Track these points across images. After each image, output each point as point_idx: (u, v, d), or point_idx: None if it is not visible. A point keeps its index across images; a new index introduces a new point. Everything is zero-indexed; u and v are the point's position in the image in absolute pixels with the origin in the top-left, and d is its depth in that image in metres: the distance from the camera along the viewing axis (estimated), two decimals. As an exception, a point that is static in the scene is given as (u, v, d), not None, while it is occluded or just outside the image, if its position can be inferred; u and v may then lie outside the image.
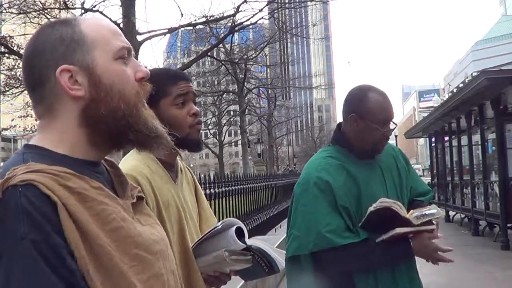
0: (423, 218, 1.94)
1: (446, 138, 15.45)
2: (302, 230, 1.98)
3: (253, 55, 24.80)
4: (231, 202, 5.82)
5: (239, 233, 1.57)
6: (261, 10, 16.11)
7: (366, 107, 2.04)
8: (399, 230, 1.90)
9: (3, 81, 18.88)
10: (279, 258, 1.65)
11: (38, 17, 15.74)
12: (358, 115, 2.05)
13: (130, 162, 1.60)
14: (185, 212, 1.66)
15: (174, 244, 1.54)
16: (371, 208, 1.91)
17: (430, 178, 19.60)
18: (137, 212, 0.99)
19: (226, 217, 5.03)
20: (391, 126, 2.06)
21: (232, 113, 36.63)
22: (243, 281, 4.66)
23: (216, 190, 5.07)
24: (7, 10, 15.97)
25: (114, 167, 1.06)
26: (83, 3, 14.49)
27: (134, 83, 0.99)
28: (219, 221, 1.72)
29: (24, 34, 17.60)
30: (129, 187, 1.04)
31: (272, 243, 1.68)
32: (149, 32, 13.60)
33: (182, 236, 1.60)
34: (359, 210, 2.00)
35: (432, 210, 1.98)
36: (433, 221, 1.98)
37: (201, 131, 1.76)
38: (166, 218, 1.56)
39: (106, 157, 1.05)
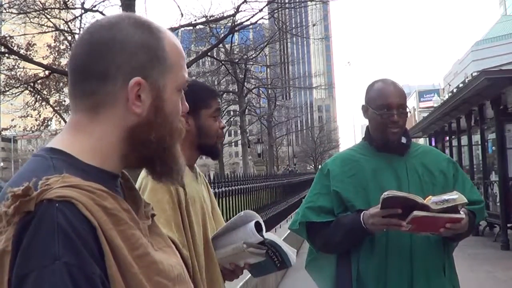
0: (442, 204, 1.85)
1: (446, 138, 15.45)
2: (300, 207, 2.28)
3: (253, 55, 24.75)
4: (231, 202, 5.82)
5: (257, 227, 1.69)
6: (261, 10, 16.12)
7: (369, 95, 2.18)
8: (417, 213, 1.83)
9: (3, 81, 18.88)
10: (291, 253, 1.75)
11: (38, 17, 15.75)
12: (366, 104, 2.18)
13: None
14: (206, 209, 1.81)
15: (198, 236, 1.68)
16: (382, 196, 1.88)
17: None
18: (151, 233, 0.93)
19: (226, 217, 5.04)
20: (396, 112, 2.08)
21: (232, 113, 36.60)
22: (244, 280, 4.68)
23: (216, 190, 5.07)
24: (7, 10, 15.97)
25: (125, 178, 0.98)
26: (83, 3, 14.52)
27: (180, 118, 0.95)
28: (226, 221, 1.87)
29: (24, 34, 17.61)
30: (143, 203, 0.96)
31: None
32: (149, 32, 13.56)
33: (205, 229, 1.74)
34: (365, 198, 2.09)
35: (453, 195, 1.89)
36: (462, 211, 1.90)
37: None
38: (193, 211, 1.69)
39: None
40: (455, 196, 1.89)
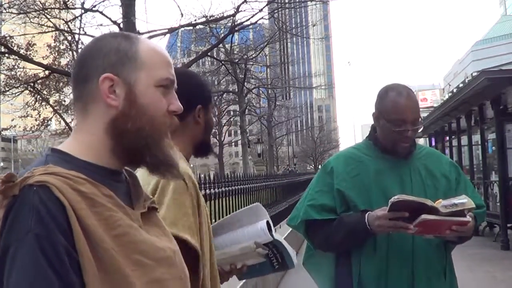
0: (452, 208, 1.86)
1: (446, 138, 15.45)
2: (299, 203, 2.24)
3: (253, 55, 24.76)
4: (231, 202, 5.82)
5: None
6: (261, 10, 16.12)
7: (382, 106, 2.11)
8: (425, 216, 1.83)
9: (3, 81, 18.88)
10: (294, 254, 1.71)
11: (38, 17, 15.76)
12: (378, 113, 2.13)
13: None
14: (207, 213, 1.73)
15: (206, 243, 1.51)
16: (392, 200, 1.87)
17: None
18: (146, 222, 1.04)
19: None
20: (410, 127, 2.04)
21: (232, 113, 36.64)
22: (244, 280, 4.66)
23: (216, 190, 5.06)
24: (7, 10, 15.97)
25: (132, 177, 1.11)
26: (83, 3, 14.54)
27: (166, 113, 1.06)
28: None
29: (24, 34, 17.61)
30: (143, 197, 1.09)
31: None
32: (149, 32, 13.59)
33: (209, 232, 1.61)
34: (367, 200, 2.07)
35: (463, 199, 1.91)
36: (468, 216, 1.91)
37: None
38: (204, 215, 1.56)
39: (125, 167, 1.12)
40: (465, 200, 1.91)
